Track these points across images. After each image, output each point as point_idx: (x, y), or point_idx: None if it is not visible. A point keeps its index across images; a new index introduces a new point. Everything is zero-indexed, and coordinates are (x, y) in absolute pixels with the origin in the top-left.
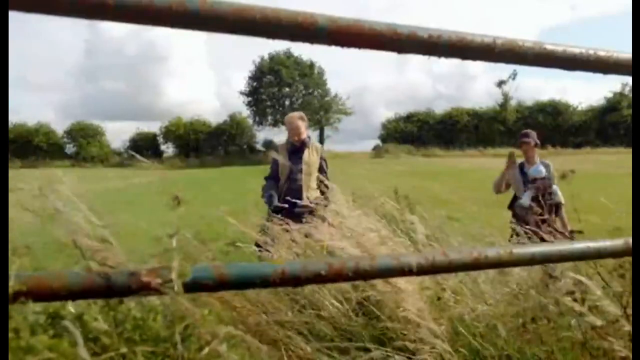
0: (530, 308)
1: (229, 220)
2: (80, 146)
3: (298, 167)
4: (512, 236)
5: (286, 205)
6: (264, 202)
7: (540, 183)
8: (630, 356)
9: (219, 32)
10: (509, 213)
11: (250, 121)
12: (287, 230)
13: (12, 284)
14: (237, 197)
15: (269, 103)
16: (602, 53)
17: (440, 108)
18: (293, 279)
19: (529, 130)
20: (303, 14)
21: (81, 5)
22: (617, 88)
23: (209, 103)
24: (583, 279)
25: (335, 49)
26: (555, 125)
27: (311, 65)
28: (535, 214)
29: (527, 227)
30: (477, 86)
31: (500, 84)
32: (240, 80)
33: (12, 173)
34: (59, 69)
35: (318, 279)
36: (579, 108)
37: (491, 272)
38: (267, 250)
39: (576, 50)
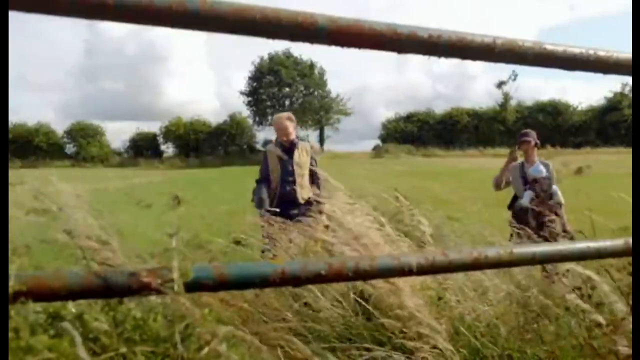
0: (531, 307)
1: (228, 221)
2: (80, 146)
3: (289, 168)
4: (512, 236)
5: (277, 210)
6: (254, 205)
7: (540, 183)
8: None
9: (219, 32)
10: (509, 213)
11: (250, 121)
12: (284, 230)
13: (12, 284)
14: (237, 197)
15: (269, 103)
16: (602, 53)
17: (439, 108)
18: (293, 278)
19: (529, 130)
20: (303, 14)
21: (81, 5)
22: (618, 88)
23: (209, 103)
24: (592, 274)
25: (335, 49)
26: (555, 125)
27: (311, 66)
28: (535, 214)
29: (527, 227)
30: (477, 86)
31: (501, 84)
32: (240, 80)
33: (12, 173)
34: (58, 69)
35: (318, 279)
36: (579, 108)
37: (492, 272)
38: (268, 250)
39: (576, 50)
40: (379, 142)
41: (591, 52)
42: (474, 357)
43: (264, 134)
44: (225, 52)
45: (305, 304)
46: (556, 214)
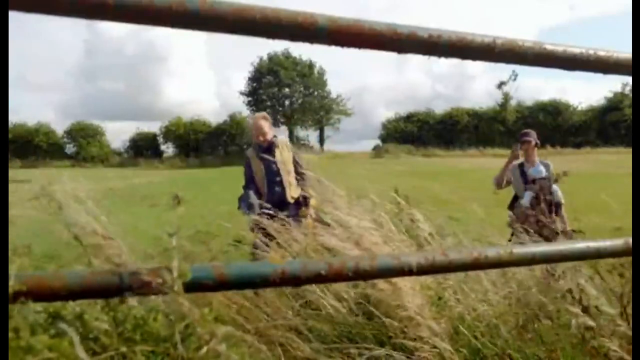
0: (531, 307)
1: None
2: (80, 146)
3: (274, 168)
4: (512, 236)
5: (271, 212)
6: (242, 213)
7: (540, 183)
8: (625, 357)
9: (219, 32)
10: (509, 213)
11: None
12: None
13: (12, 284)
14: (237, 197)
15: (269, 103)
16: (602, 53)
17: (439, 108)
18: (293, 278)
19: (529, 130)
20: (303, 14)
21: (81, 5)
22: (618, 88)
23: (209, 103)
24: (582, 280)
25: (335, 49)
26: (555, 125)
27: (310, 66)
28: (535, 214)
29: (527, 227)
30: (476, 86)
31: (501, 85)
32: (240, 80)
33: (15, 172)
34: (58, 69)
35: (318, 278)
36: (579, 108)
37: (492, 272)
38: (265, 251)
39: (576, 50)
40: (378, 142)
41: (591, 52)
42: (474, 357)
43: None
44: (225, 52)
45: (306, 302)
46: (556, 214)
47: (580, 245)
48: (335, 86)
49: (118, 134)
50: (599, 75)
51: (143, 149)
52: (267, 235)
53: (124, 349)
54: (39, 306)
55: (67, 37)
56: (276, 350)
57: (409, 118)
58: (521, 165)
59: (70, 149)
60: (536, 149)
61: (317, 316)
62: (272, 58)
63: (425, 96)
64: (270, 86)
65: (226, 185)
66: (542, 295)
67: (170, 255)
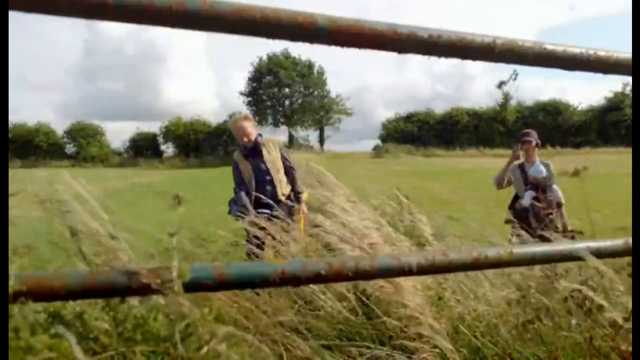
0: (531, 307)
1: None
2: (80, 146)
3: (262, 168)
4: (512, 236)
5: (266, 211)
6: (232, 217)
7: (540, 183)
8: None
9: (219, 32)
10: (510, 213)
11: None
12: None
13: (12, 284)
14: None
15: (269, 103)
16: (602, 53)
17: (439, 108)
18: (293, 278)
19: (530, 130)
20: (303, 14)
21: (81, 5)
22: (619, 88)
23: (209, 103)
24: (605, 268)
25: (334, 49)
26: (555, 125)
27: (310, 65)
28: (536, 214)
29: (528, 227)
30: (476, 86)
31: (501, 84)
32: (240, 80)
33: (12, 173)
34: (58, 69)
35: (318, 278)
36: (579, 108)
37: (492, 272)
38: (260, 248)
39: (576, 50)
40: (378, 142)
41: (591, 52)
42: (474, 357)
43: (264, 135)
44: (225, 52)
45: (306, 302)
46: (557, 214)
47: (580, 245)
48: (335, 86)
49: (118, 134)
50: (599, 75)
51: (143, 149)
52: (262, 235)
53: (124, 348)
54: (39, 306)
55: (67, 37)
56: (276, 349)
57: (409, 118)
58: (521, 165)
59: (70, 149)
60: (536, 149)
61: (316, 316)
62: (271, 58)
63: (425, 96)
64: (270, 86)
65: (226, 185)
66: (542, 296)
67: (171, 255)
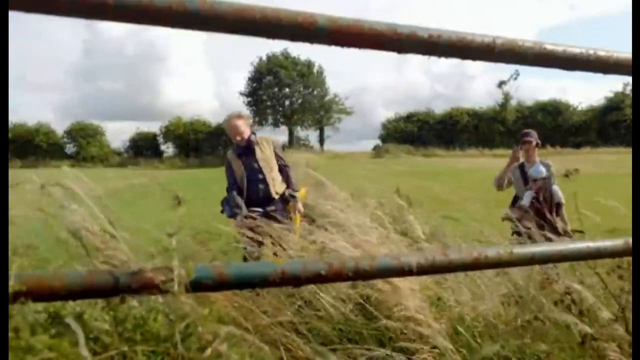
0: (529, 308)
1: (228, 220)
2: (80, 146)
3: (255, 167)
4: (512, 235)
5: (259, 210)
6: (226, 216)
7: (540, 183)
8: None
9: (219, 32)
10: (509, 211)
11: (250, 121)
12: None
13: (12, 284)
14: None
15: (269, 103)
16: (602, 53)
17: (438, 108)
18: (293, 278)
19: (530, 130)
20: (303, 14)
21: (81, 5)
22: (619, 88)
23: (208, 103)
24: (575, 284)
25: (334, 49)
26: (555, 125)
27: (309, 65)
28: (536, 214)
29: (528, 227)
30: (476, 86)
31: (501, 84)
32: (239, 81)
33: (12, 172)
34: (58, 69)
35: (318, 279)
36: (579, 108)
37: (491, 272)
38: (257, 246)
39: (576, 50)
40: (378, 142)
41: (591, 52)
42: (474, 357)
43: (263, 134)
44: (224, 52)
45: (306, 302)
46: (557, 214)
47: (580, 245)
48: (334, 86)
49: (117, 134)
50: (599, 75)
51: (143, 148)
52: (256, 234)
53: (124, 348)
54: (39, 306)
55: (66, 37)
56: (276, 350)
57: (409, 118)
58: (521, 166)
59: (70, 149)
60: (536, 149)
61: (316, 317)
62: (271, 58)
63: (425, 96)
64: (270, 86)
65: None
66: (540, 296)
67: (171, 255)
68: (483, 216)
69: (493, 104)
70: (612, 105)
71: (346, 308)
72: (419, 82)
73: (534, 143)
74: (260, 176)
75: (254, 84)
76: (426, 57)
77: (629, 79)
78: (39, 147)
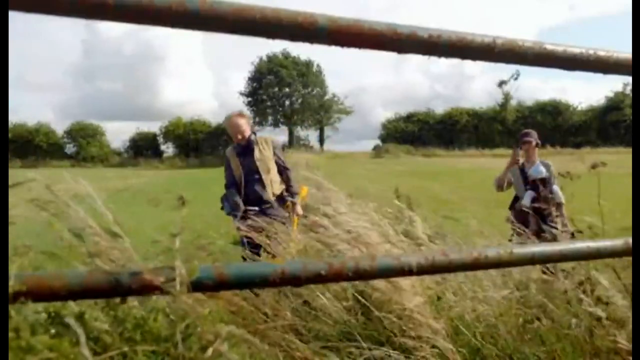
0: (531, 307)
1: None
2: (80, 146)
3: (252, 167)
4: (512, 236)
5: (255, 209)
6: (225, 213)
7: (540, 183)
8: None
9: (219, 32)
10: (510, 213)
11: (250, 121)
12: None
13: (12, 284)
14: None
15: (269, 103)
16: (602, 53)
17: (438, 108)
18: (293, 279)
19: (530, 130)
20: (303, 14)
21: (81, 5)
22: (619, 88)
23: (207, 103)
24: (594, 272)
25: (333, 49)
26: (555, 125)
27: (308, 64)
28: (536, 214)
29: (528, 227)
30: (475, 86)
31: (501, 84)
32: (238, 81)
33: (12, 172)
34: (57, 69)
35: (318, 279)
36: (579, 108)
37: (492, 272)
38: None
39: (576, 50)
40: (377, 142)
41: (591, 52)
42: (474, 357)
43: (264, 134)
44: (223, 53)
45: (305, 302)
46: (557, 214)
47: (580, 245)
48: (334, 86)
49: (117, 134)
50: (599, 75)
51: (143, 149)
52: (256, 232)
53: (125, 348)
54: (39, 306)
55: (66, 37)
56: (276, 350)
57: (409, 118)
58: (521, 166)
59: (70, 149)
60: (536, 149)
61: (316, 316)
62: (271, 58)
63: (424, 96)
64: (270, 86)
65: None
66: (542, 296)
67: (172, 256)
68: (483, 216)
69: (493, 104)
70: (612, 105)
71: (346, 307)
72: (418, 82)
73: (534, 143)
74: (256, 177)
75: (254, 84)
76: (426, 57)
77: (629, 79)
78: (39, 147)
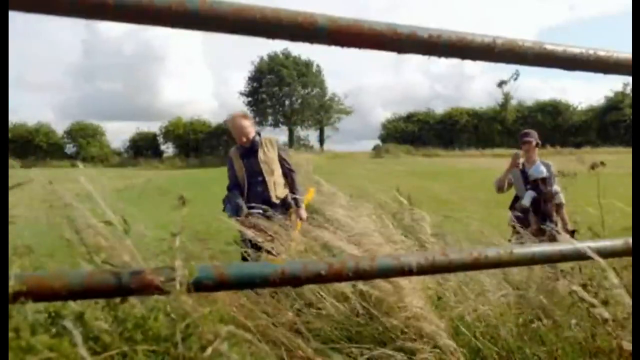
0: (531, 308)
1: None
2: (80, 146)
3: (256, 169)
4: (512, 236)
5: (259, 211)
6: (228, 215)
7: (540, 183)
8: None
9: (219, 32)
10: (509, 213)
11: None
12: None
13: (12, 284)
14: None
15: (269, 103)
16: (602, 53)
17: (437, 108)
18: (293, 278)
19: (530, 130)
20: (303, 14)
21: (81, 5)
22: (619, 87)
23: (207, 103)
24: (605, 266)
25: (333, 49)
26: (555, 125)
27: (307, 64)
28: (536, 214)
29: (528, 227)
30: (475, 86)
31: (501, 84)
32: (239, 81)
33: (12, 172)
34: (57, 69)
35: (318, 279)
36: (579, 108)
37: (492, 272)
38: (256, 248)
39: (576, 50)
40: (377, 141)
41: (591, 52)
42: (474, 357)
43: (265, 135)
44: (223, 53)
45: (306, 304)
46: (557, 214)
47: (580, 245)
48: (334, 86)
49: (116, 134)
50: (599, 75)
51: (143, 149)
52: (256, 236)
53: (125, 348)
54: (39, 306)
55: (66, 37)
56: (277, 350)
57: (409, 118)
58: (522, 166)
59: (70, 149)
60: (536, 149)
61: (317, 316)
62: (272, 58)
63: (424, 96)
64: (271, 85)
65: (226, 186)
66: (543, 296)
67: (172, 255)
68: (483, 216)
69: (493, 104)
70: (612, 105)
71: (347, 307)
72: (417, 82)
73: (534, 143)
74: (260, 179)
75: (254, 84)
76: (426, 57)
77: (629, 79)
78: (39, 147)
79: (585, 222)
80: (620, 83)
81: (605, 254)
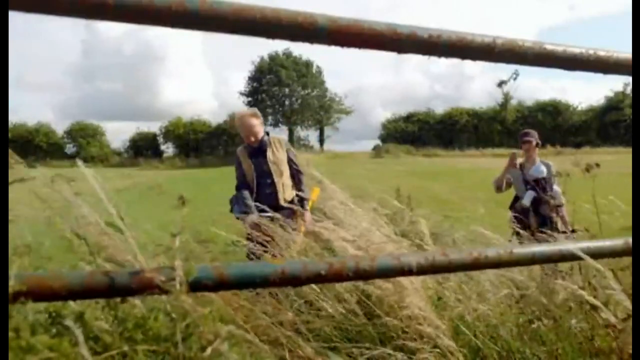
0: (532, 308)
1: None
2: (80, 146)
3: (264, 169)
4: (512, 235)
5: (267, 214)
6: (235, 215)
7: (540, 183)
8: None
9: (219, 32)
10: (509, 213)
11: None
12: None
13: (12, 284)
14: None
15: (269, 103)
16: (602, 53)
17: (437, 108)
18: (293, 278)
19: (530, 130)
20: (303, 14)
21: (81, 5)
22: (619, 87)
23: (207, 103)
24: (603, 269)
25: (333, 49)
26: (555, 125)
27: (307, 64)
28: (536, 214)
29: (528, 227)
30: (474, 86)
31: (501, 84)
32: (238, 81)
33: (12, 171)
34: (57, 69)
35: (318, 279)
36: (579, 108)
37: (492, 272)
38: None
39: (576, 50)
40: (377, 141)
41: (591, 52)
42: (474, 357)
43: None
44: (223, 52)
45: (306, 302)
46: (557, 214)
47: (580, 245)
48: (334, 86)
49: (117, 134)
50: (599, 75)
51: (143, 149)
52: (262, 236)
53: (125, 348)
54: (39, 306)
55: (66, 37)
56: (277, 350)
57: (408, 118)
58: (522, 166)
59: (70, 149)
60: (537, 149)
61: (317, 316)
62: (273, 58)
63: (424, 96)
64: (271, 85)
65: (226, 186)
66: (543, 295)
67: (172, 255)
68: (483, 216)
69: (493, 104)
70: (612, 105)
71: (347, 307)
72: (417, 82)
73: (534, 143)
74: (269, 180)
75: (254, 83)
76: (426, 57)
77: (629, 79)
78: (39, 147)
79: (584, 222)
80: (620, 83)
81: (605, 254)
